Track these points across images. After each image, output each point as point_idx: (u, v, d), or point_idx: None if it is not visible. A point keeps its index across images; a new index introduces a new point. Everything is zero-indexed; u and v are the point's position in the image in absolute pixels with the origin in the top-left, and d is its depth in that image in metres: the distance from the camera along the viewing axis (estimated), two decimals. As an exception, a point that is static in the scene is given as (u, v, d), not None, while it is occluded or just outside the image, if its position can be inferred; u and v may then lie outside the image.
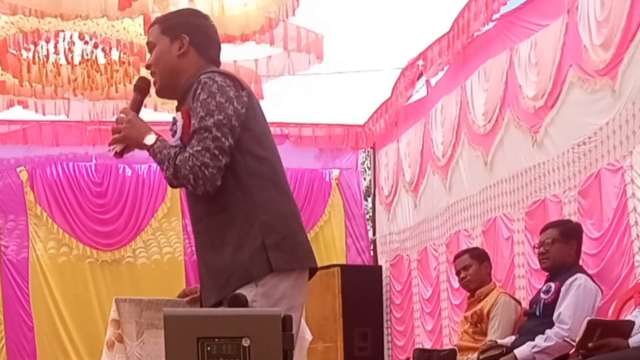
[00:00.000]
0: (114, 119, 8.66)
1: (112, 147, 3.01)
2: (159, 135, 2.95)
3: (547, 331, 4.74)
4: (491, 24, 6.65)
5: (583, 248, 5.20)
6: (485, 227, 6.84)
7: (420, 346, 7.87)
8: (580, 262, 5.14)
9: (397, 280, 8.90)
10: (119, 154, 3.02)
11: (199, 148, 2.80)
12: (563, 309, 4.72)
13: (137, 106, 3.07)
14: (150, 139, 2.92)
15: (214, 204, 2.88)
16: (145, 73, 3.40)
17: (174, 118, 2.97)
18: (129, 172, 9.70)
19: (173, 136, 2.94)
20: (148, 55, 3.16)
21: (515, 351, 4.86)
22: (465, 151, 7.20)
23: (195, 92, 2.87)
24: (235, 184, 2.86)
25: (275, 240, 2.84)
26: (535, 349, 4.74)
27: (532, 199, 6.13)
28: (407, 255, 8.64)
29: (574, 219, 5.45)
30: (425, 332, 8.00)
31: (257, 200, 2.86)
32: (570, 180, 5.66)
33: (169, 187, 9.70)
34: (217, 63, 3.10)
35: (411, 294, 8.49)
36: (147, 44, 3.13)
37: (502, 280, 6.42)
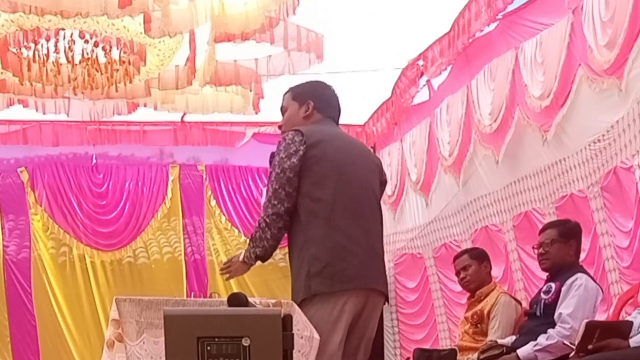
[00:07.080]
0: (114, 118, 8.63)
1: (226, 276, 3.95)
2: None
3: (549, 330, 4.74)
4: (492, 24, 6.63)
5: (616, 242, 5.18)
6: (516, 221, 6.82)
7: (447, 340, 7.86)
8: (611, 256, 5.11)
9: (407, 278, 8.92)
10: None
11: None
12: (564, 309, 4.71)
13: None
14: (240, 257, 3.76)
15: (288, 238, 3.69)
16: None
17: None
18: (129, 172, 9.69)
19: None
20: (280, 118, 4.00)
21: (518, 351, 4.85)
22: (478, 150, 7.17)
23: None
24: (297, 222, 3.59)
25: (318, 268, 3.49)
26: (537, 347, 4.74)
27: (559, 194, 6.10)
28: (419, 253, 8.62)
29: (602, 213, 5.45)
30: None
31: (309, 236, 3.54)
32: (591, 176, 5.63)
33: (169, 187, 9.75)
34: (336, 120, 3.93)
35: (429, 290, 8.46)
36: (281, 108, 3.94)
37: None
